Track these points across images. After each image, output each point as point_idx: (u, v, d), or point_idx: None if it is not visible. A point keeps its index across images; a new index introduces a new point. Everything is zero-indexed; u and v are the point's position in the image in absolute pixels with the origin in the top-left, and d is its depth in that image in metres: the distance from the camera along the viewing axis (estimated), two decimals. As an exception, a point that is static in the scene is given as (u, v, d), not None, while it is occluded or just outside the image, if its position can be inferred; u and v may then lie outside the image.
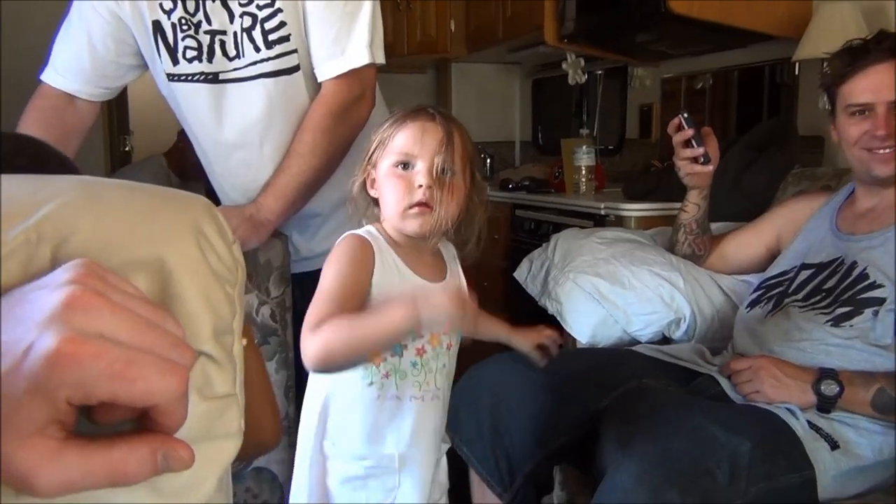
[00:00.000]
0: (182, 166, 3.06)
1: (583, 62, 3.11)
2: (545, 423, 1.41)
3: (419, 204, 1.10)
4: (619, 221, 2.21)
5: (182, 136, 3.64)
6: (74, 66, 1.53)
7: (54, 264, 0.41)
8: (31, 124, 1.50)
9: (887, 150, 1.44)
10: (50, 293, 0.37)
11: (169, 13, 1.44)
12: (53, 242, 0.43)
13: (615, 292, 1.71)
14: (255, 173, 1.49)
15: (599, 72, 3.33)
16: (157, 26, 1.46)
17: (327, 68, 1.44)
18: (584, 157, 2.65)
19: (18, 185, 0.48)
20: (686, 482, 1.07)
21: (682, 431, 1.15)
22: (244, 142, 1.51)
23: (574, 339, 1.79)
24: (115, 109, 3.73)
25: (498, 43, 3.37)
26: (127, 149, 3.89)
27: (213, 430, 0.45)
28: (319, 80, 1.46)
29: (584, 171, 2.65)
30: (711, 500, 1.08)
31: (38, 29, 2.19)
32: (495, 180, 3.38)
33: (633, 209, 2.20)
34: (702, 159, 1.64)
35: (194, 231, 0.48)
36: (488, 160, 3.82)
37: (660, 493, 1.05)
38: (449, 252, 1.23)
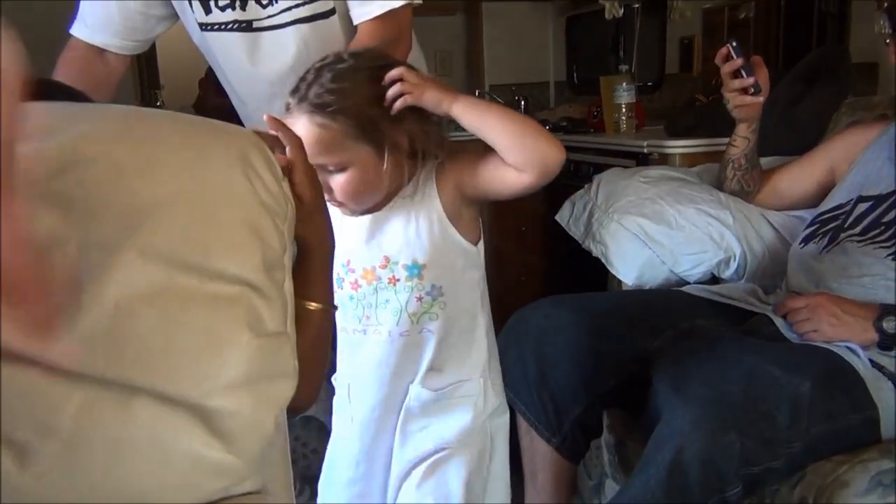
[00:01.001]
0: (204, 113, 3.05)
1: (620, -5, 2.99)
2: (593, 367, 1.38)
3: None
4: (663, 159, 2.13)
5: (202, 84, 3.62)
6: (103, 18, 1.51)
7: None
8: (61, 79, 1.49)
9: None
10: None
11: None
12: (92, 158, 0.40)
13: (662, 232, 1.66)
14: None
15: (636, 5, 3.20)
16: None
17: (363, 10, 1.39)
18: (625, 95, 2.56)
19: (58, 108, 0.45)
20: (745, 425, 1.03)
21: (738, 373, 1.10)
22: (282, 90, 1.48)
23: (620, 282, 1.75)
24: (146, 65, 3.71)
25: (531, -20, 3.25)
26: (158, 104, 3.88)
27: (269, 369, 0.43)
28: (355, 23, 1.41)
29: (624, 109, 2.57)
30: (772, 442, 1.04)
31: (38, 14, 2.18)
32: (530, 123, 3.30)
33: (678, 146, 2.12)
34: (752, 90, 1.57)
35: (241, 161, 0.45)
36: (522, 102, 3.73)
37: (718, 437, 1.01)
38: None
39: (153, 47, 3.56)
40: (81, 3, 1.52)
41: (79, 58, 1.52)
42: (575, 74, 3.81)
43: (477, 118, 1.02)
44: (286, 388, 0.44)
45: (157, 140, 0.44)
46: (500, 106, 1.06)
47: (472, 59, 3.99)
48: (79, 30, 1.52)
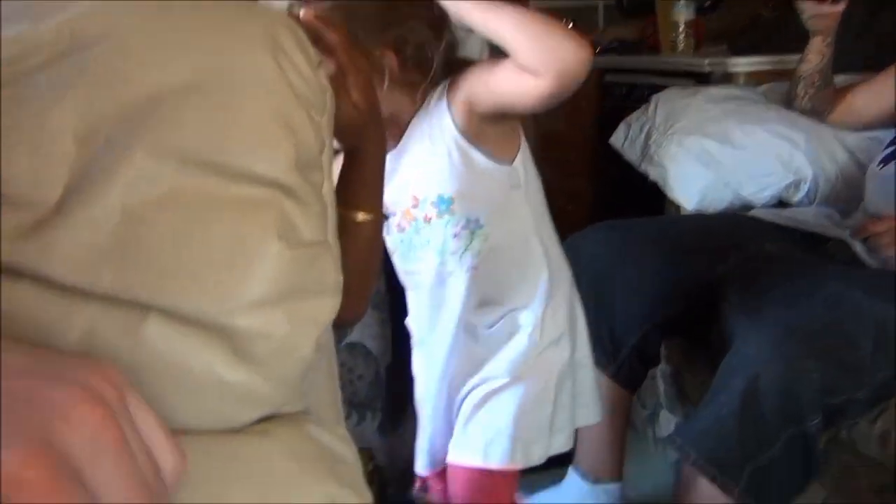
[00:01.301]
0: None
1: None
2: (653, 294, 1.31)
3: None
4: (726, 79, 2.00)
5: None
6: None
7: (88, 73, 0.32)
8: None
9: None
10: (53, 384, 0.25)
11: None
12: (92, 39, 0.34)
13: (726, 153, 1.56)
14: None
15: (695, -84, 2.99)
16: None
17: None
18: (684, 11, 2.40)
19: None
20: (826, 352, 0.96)
21: (818, 297, 1.02)
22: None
23: (678, 208, 1.66)
24: None
25: None
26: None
27: (304, 285, 0.36)
28: None
29: (682, 27, 2.41)
30: (855, 371, 0.97)
31: None
32: (580, 46, 3.16)
33: (742, 64, 1.99)
34: None
35: (270, 41, 0.38)
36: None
37: (797, 364, 0.94)
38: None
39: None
40: None
41: None
42: (626, -6, 3.62)
43: (486, 15, 0.89)
44: (327, 306, 0.38)
45: (170, 17, 0.37)
46: (514, 3, 0.92)
47: (518, -20, 3.82)
48: None
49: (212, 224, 0.35)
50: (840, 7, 1.47)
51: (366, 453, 1.32)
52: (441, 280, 1.02)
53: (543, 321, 1.03)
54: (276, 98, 0.37)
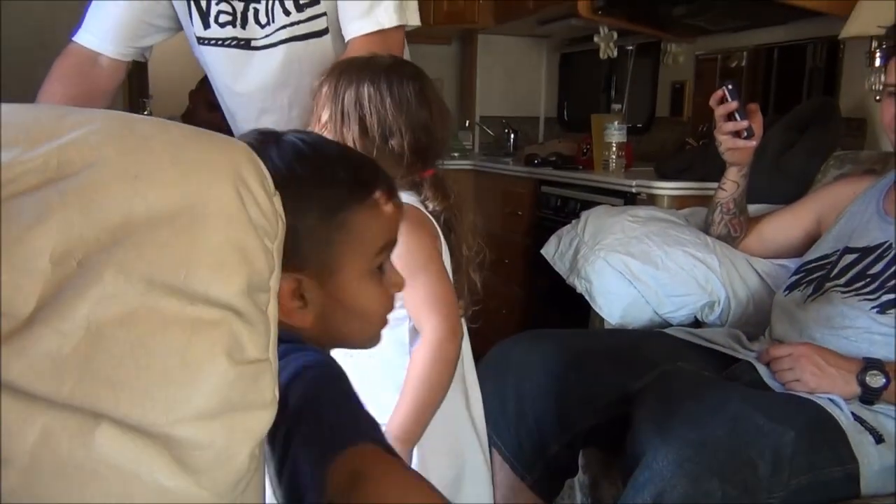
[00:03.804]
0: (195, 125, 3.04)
1: (615, 35, 3.02)
2: (573, 405, 1.36)
3: None
4: (651, 200, 2.14)
5: (192, 96, 3.64)
6: (108, 25, 1.52)
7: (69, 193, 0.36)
8: (55, 83, 1.49)
9: None
10: None
11: None
12: (75, 169, 0.38)
13: (647, 272, 1.65)
14: None
15: (630, 47, 3.23)
16: None
17: (355, 27, 1.41)
18: (616, 134, 2.58)
19: (46, 111, 0.43)
20: (728, 472, 1.02)
21: (723, 418, 1.09)
22: (273, 105, 1.50)
23: (602, 319, 1.73)
24: (135, 74, 3.69)
25: (528, 14, 3.28)
26: (147, 112, 3.86)
27: (245, 400, 0.40)
28: (346, 39, 1.42)
29: (614, 148, 2.58)
30: (753, 492, 1.02)
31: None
32: (519, 156, 3.34)
33: (667, 188, 2.13)
34: (745, 133, 1.57)
35: (234, 175, 0.43)
36: (512, 135, 3.76)
37: (700, 482, 0.99)
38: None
39: (145, 56, 3.56)
40: (88, 11, 1.53)
41: (76, 64, 1.52)
42: (566, 111, 3.84)
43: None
44: (264, 419, 0.42)
45: (147, 151, 0.42)
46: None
47: (464, 89, 4.01)
48: (81, 37, 1.53)
49: (167, 340, 0.38)
50: (753, 143, 1.59)
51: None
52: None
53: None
54: (235, 229, 0.42)
